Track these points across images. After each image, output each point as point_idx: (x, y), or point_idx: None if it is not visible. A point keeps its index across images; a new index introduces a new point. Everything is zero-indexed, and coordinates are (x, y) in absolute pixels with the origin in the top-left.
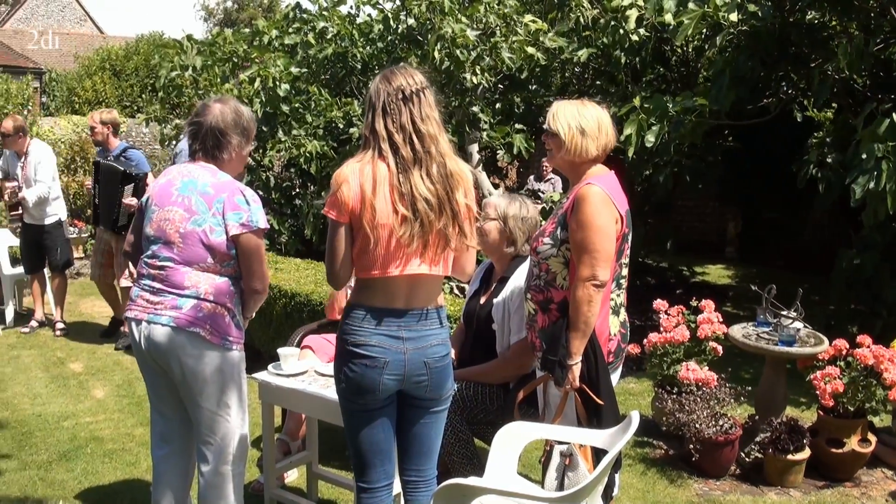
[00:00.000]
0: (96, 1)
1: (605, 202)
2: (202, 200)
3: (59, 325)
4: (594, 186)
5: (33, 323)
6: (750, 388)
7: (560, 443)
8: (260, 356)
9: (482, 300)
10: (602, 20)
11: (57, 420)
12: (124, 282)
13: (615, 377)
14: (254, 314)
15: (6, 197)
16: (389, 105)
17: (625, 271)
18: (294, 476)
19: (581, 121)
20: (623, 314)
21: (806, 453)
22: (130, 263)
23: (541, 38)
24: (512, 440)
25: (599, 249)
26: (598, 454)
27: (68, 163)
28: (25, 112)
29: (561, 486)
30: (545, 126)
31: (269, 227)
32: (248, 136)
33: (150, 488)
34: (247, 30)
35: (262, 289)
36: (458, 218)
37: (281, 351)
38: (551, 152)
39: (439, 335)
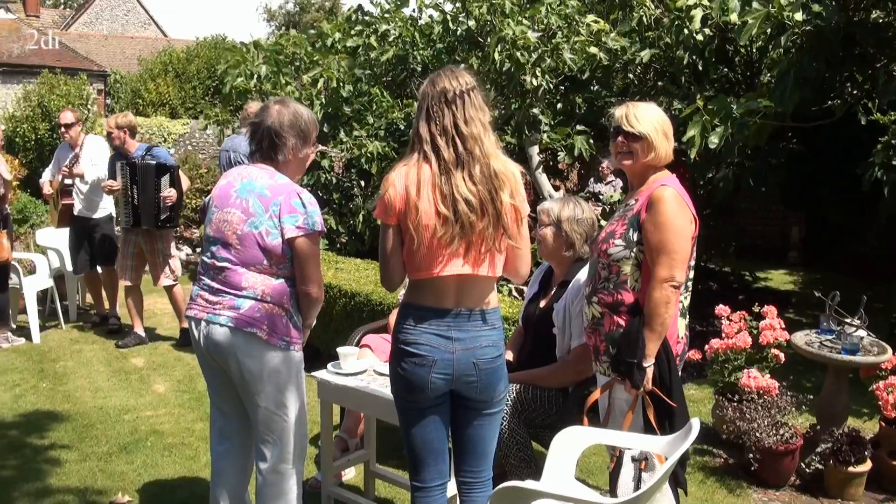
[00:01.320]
0: (160, 5)
1: (680, 203)
2: (259, 203)
3: (112, 321)
4: (668, 188)
5: (113, 320)
6: (811, 396)
7: (629, 449)
8: (319, 355)
9: (542, 304)
10: (665, 20)
11: (118, 413)
12: (165, 280)
13: None
14: (314, 322)
15: (57, 180)
16: (432, 108)
17: (692, 274)
18: (351, 474)
19: (663, 124)
20: (688, 318)
21: (867, 465)
22: (171, 261)
23: (603, 39)
24: (570, 444)
25: (678, 250)
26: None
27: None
28: (87, 112)
29: None
30: (626, 129)
31: (325, 230)
32: (307, 138)
33: (210, 483)
34: (311, 31)
35: (317, 294)
36: (503, 219)
37: (340, 350)
38: (631, 155)
39: (490, 337)
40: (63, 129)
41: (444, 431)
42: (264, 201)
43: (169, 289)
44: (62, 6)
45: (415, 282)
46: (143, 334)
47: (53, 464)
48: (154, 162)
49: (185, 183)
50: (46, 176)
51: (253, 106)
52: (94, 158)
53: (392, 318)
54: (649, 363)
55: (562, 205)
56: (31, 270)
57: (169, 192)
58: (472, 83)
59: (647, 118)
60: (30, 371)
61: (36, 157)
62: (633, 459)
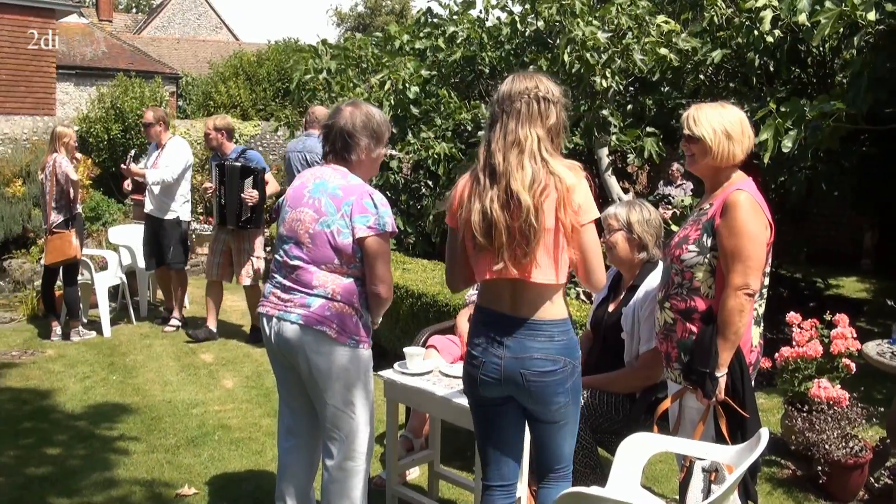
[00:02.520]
0: (232, 9)
1: (756, 209)
2: (331, 202)
3: (172, 322)
4: (744, 192)
5: (173, 321)
6: (882, 409)
7: (700, 459)
8: (386, 354)
9: (610, 308)
10: (736, 20)
11: (186, 407)
12: (246, 280)
13: None
14: (380, 320)
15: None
16: (492, 116)
17: (767, 281)
18: (416, 474)
19: (725, 124)
20: (762, 326)
21: None
22: (254, 261)
23: (673, 39)
24: (637, 451)
25: (752, 257)
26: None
27: (203, 163)
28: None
29: None
30: (685, 131)
31: (396, 231)
32: (379, 138)
33: (275, 478)
34: (378, 34)
35: (386, 293)
36: (539, 232)
37: (407, 350)
38: (693, 158)
39: (545, 349)
40: (145, 128)
41: (510, 434)
42: (336, 201)
43: (248, 288)
44: (135, 10)
45: (479, 283)
46: (214, 329)
47: (121, 455)
48: (239, 164)
49: (271, 187)
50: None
51: (318, 109)
52: (168, 160)
53: (459, 318)
54: (722, 373)
55: (628, 209)
56: (103, 267)
57: (250, 194)
58: (531, 91)
59: (705, 120)
60: (100, 364)
61: (108, 156)
62: (704, 470)
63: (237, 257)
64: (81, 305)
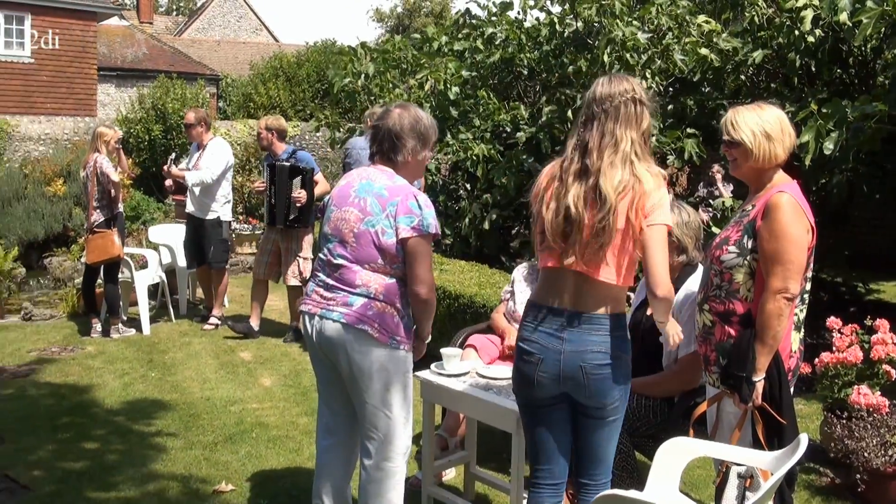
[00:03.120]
0: (272, 11)
1: (797, 211)
2: (377, 202)
3: (212, 320)
4: (785, 194)
5: (213, 320)
6: None
7: (737, 464)
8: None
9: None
10: (777, 19)
11: (224, 404)
12: (292, 280)
13: None
14: (428, 331)
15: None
16: (584, 115)
17: (808, 285)
18: (451, 475)
19: (764, 125)
20: (802, 331)
21: None
22: (300, 261)
23: (714, 39)
24: (675, 455)
25: (793, 261)
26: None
27: (243, 163)
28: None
29: None
30: (725, 137)
31: (439, 233)
32: (426, 141)
33: (312, 476)
34: (417, 35)
35: (427, 295)
36: (612, 233)
37: (444, 351)
38: (735, 163)
39: (603, 343)
40: (188, 129)
41: (560, 434)
42: (382, 201)
43: (291, 288)
44: (175, 13)
45: (541, 272)
46: (255, 327)
47: (159, 450)
48: (288, 164)
49: (321, 187)
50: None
51: (378, 110)
52: (209, 161)
53: (495, 315)
54: (759, 378)
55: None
56: (143, 265)
57: (299, 194)
58: (627, 93)
59: (743, 123)
60: (139, 361)
61: (149, 157)
62: (740, 476)
63: (285, 257)
64: (122, 303)
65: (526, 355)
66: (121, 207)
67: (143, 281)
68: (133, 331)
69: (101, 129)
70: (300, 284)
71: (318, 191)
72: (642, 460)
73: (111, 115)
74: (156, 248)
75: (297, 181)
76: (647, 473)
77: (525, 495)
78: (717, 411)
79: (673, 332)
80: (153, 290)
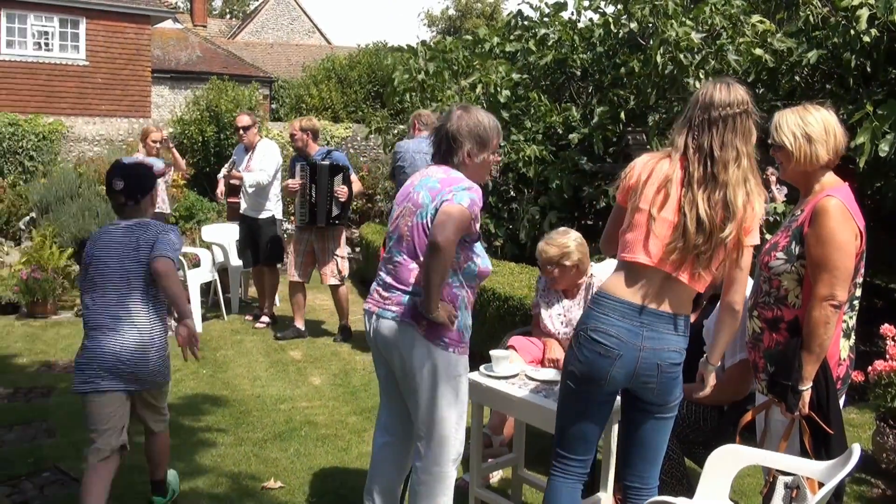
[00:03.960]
0: (324, 13)
1: (845, 216)
2: (429, 194)
3: (263, 318)
4: (833, 199)
5: (264, 318)
6: None
7: (785, 473)
8: (472, 356)
9: (692, 318)
10: (832, 19)
11: (274, 402)
12: (332, 280)
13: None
14: (434, 295)
15: (224, 178)
16: (695, 118)
17: (858, 292)
18: (499, 476)
19: (805, 127)
20: (853, 338)
21: None
22: (338, 260)
23: (768, 39)
24: (726, 463)
25: (839, 267)
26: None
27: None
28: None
29: None
30: (769, 140)
31: (472, 211)
32: (484, 144)
33: (362, 475)
34: (468, 37)
35: (437, 238)
36: (721, 247)
37: (493, 353)
38: (782, 166)
39: (678, 342)
40: (241, 132)
41: (602, 427)
42: (433, 192)
43: (334, 287)
44: (229, 16)
45: (620, 264)
46: (302, 328)
47: (209, 446)
48: (327, 163)
49: (356, 186)
50: (223, 173)
51: (424, 113)
52: (262, 162)
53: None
54: (806, 387)
55: None
56: (196, 264)
57: (341, 189)
58: (743, 105)
59: (785, 126)
60: (190, 357)
61: (202, 157)
62: (786, 486)
63: (321, 256)
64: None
65: (601, 348)
66: (161, 207)
67: (196, 280)
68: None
69: (145, 126)
70: (340, 283)
71: (353, 189)
72: (692, 467)
73: (165, 116)
74: (208, 247)
75: (337, 178)
76: (696, 480)
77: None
78: (766, 419)
79: (710, 382)
80: (206, 289)
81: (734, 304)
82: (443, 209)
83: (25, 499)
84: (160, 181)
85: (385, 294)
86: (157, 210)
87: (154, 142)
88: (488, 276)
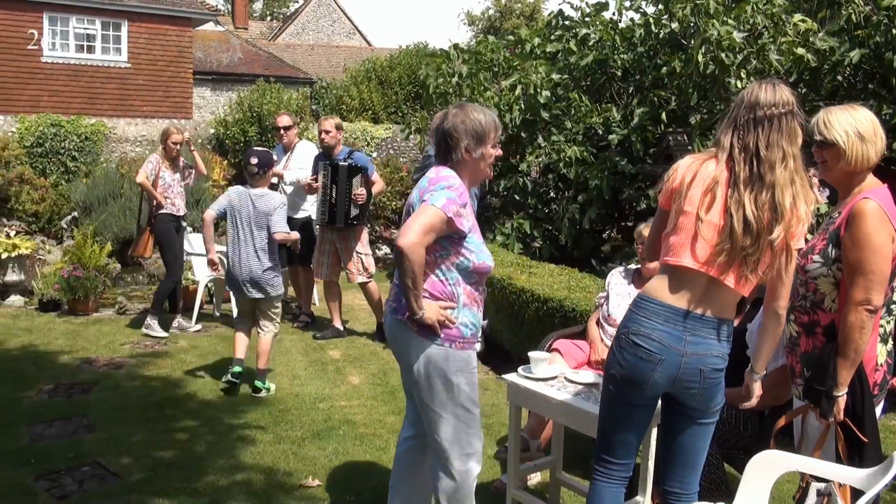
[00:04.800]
0: (365, 15)
1: (882, 219)
2: (418, 194)
3: (302, 318)
4: (871, 201)
5: (303, 317)
6: None
7: (818, 480)
8: (510, 358)
9: (735, 322)
10: (874, 17)
11: (313, 401)
12: (359, 278)
13: (877, 412)
14: (411, 294)
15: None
16: (740, 118)
17: (895, 295)
18: (537, 479)
19: (858, 126)
20: (891, 343)
21: None
22: (363, 258)
23: (810, 39)
24: (765, 469)
25: (875, 271)
26: (856, 496)
27: None
28: (298, 119)
29: None
30: (816, 137)
31: (443, 213)
32: (481, 138)
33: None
34: (510, 37)
35: (401, 243)
36: (769, 250)
37: (532, 354)
38: (826, 164)
39: (721, 348)
40: (282, 132)
41: (643, 431)
42: (421, 192)
43: (363, 285)
44: (270, 18)
45: (664, 268)
46: (340, 328)
47: (248, 443)
48: (347, 164)
49: (378, 186)
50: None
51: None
52: (300, 162)
53: (590, 323)
54: (840, 392)
55: None
56: None
57: (359, 191)
58: (788, 105)
59: (836, 123)
60: (230, 356)
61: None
62: (819, 493)
63: (345, 255)
64: (180, 300)
65: (642, 352)
66: (171, 209)
67: None
68: (199, 326)
69: (166, 127)
70: (368, 279)
71: (374, 190)
72: (732, 473)
73: (207, 117)
74: None
75: (356, 180)
76: (735, 486)
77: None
78: (803, 425)
79: (756, 391)
80: None
81: (779, 308)
82: (418, 210)
83: (65, 493)
84: (175, 185)
85: (394, 291)
86: (165, 212)
87: (174, 143)
88: (489, 272)
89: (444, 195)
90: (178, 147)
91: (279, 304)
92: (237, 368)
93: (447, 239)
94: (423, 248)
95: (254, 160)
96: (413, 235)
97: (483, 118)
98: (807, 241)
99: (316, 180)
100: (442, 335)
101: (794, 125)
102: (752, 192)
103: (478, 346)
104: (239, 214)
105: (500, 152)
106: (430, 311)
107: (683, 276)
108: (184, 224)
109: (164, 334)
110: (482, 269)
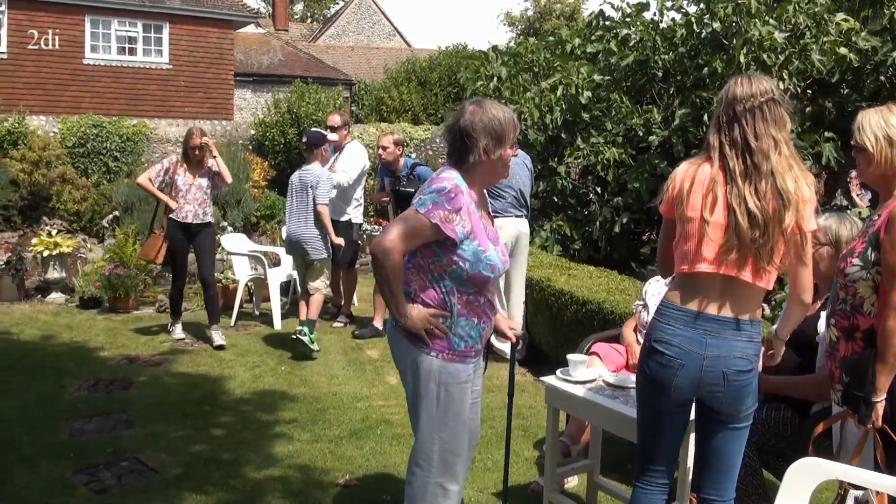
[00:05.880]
0: (404, 16)
1: None
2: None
3: (340, 318)
4: None
5: (341, 317)
6: None
7: (855, 487)
8: (547, 359)
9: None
10: None
11: (351, 400)
12: None
13: None
14: (387, 298)
15: None
16: (722, 117)
17: None
18: (574, 482)
19: (888, 129)
20: None
21: None
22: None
23: (853, 38)
24: (805, 477)
25: None
26: None
27: (375, 167)
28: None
29: None
30: (852, 141)
31: (426, 218)
32: (501, 139)
33: None
34: (550, 38)
35: (375, 248)
36: (782, 237)
37: (571, 357)
38: (861, 168)
39: (745, 349)
40: (330, 131)
41: (678, 437)
42: (420, 195)
43: None
44: (310, 20)
45: (679, 277)
46: (380, 328)
47: (285, 441)
48: (407, 185)
49: None
50: None
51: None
52: (346, 164)
53: (625, 329)
54: (879, 398)
55: (839, 223)
56: (276, 263)
57: None
58: (768, 93)
59: (868, 127)
60: (269, 354)
61: (284, 159)
62: (857, 501)
63: None
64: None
65: (664, 359)
66: (178, 215)
67: (276, 278)
68: (183, 336)
69: (190, 127)
70: None
71: None
72: (770, 479)
73: (247, 118)
74: None
75: None
76: (773, 492)
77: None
78: (842, 431)
79: (779, 351)
80: (285, 287)
81: (802, 296)
82: (399, 215)
83: (103, 487)
84: (191, 190)
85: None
86: (172, 216)
87: (192, 148)
88: (487, 282)
89: (429, 199)
90: (197, 151)
91: (324, 269)
92: (298, 326)
93: (439, 245)
94: (399, 255)
95: (304, 139)
96: (388, 241)
97: (502, 116)
98: (849, 245)
99: (386, 196)
100: (430, 344)
101: (780, 111)
102: (752, 185)
103: (477, 360)
104: (292, 185)
105: (517, 153)
106: (415, 318)
107: (698, 279)
108: (210, 230)
109: (182, 336)
110: (478, 278)
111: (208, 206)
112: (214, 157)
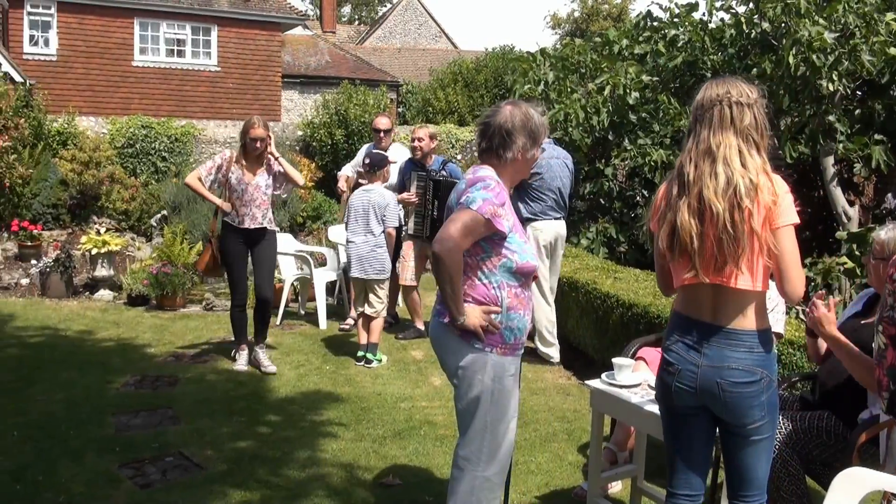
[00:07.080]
0: (451, 18)
1: None
2: (455, 197)
3: (388, 318)
4: None
5: (388, 318)
6: None
7: None
8: (593, 363)
9: (861, 321)
10: None
11: (395, 401)
12: None
13: None
14: (448, 297)
15: (352, 178)
16: (689, 126)
17: None
18: (618, 488)
19: None
20: None
21: None
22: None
23: None
24: (851, 487)
25: None
26: None
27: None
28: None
29: None
30: None
31: (481, 215)
32: (535, 139)
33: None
34: (597, 39)
35: (437, 247)
36: (743, 239)
37: (616, 361)
38: None
39: (742, 360)
40: (381, 134)
41: (701, 445)
42: (459, 195)
43: None
44: (357, 22)
45: (679, 288)
46: (422, 329)
47: (329, 440)
48: (453, 180)
49: None
50: (345, 171)
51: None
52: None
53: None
54: None
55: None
56: (322, 263)
57: None
58: (724, 96)
59: None
60: (314, 354)
61: (331, 160)
62: None
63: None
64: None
65: (667, 365)
66: (231, 218)
67: (322, 278)
68: (247, 368)
69: (248, 118)
70: None
71: None
72: (816, 488)
73: (295, 120)
74: (334, 247)
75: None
76: (818, 500)
77: None
78: (888, 440)
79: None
80: (331, 287)
81: (791, 294)
82: (454, 214)
83: (148, 481)
84: (248, 190)
85: (439, 296)
86: (226, 220)
87: (253, 139)
88: (533, 272)
89: (480, 196)
90: (258, 143)
91: (383, 287)
92: (359, 353)
93: (487, 241)
94: (461, 253)
95: (367, 160)
96: (449, 239)
97: (538, 117)
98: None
99: (411, 193)
100: (485, 340)
101: (731, 112)
102: (682, 196)
103: (520, 352)
104: (352, 206)
105: (540, 153)
106: (472, 316)
107: (693, 290)
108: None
109: (244, 368)
110: (526, 269)
111: (268, 209)
112: (277, 157)
